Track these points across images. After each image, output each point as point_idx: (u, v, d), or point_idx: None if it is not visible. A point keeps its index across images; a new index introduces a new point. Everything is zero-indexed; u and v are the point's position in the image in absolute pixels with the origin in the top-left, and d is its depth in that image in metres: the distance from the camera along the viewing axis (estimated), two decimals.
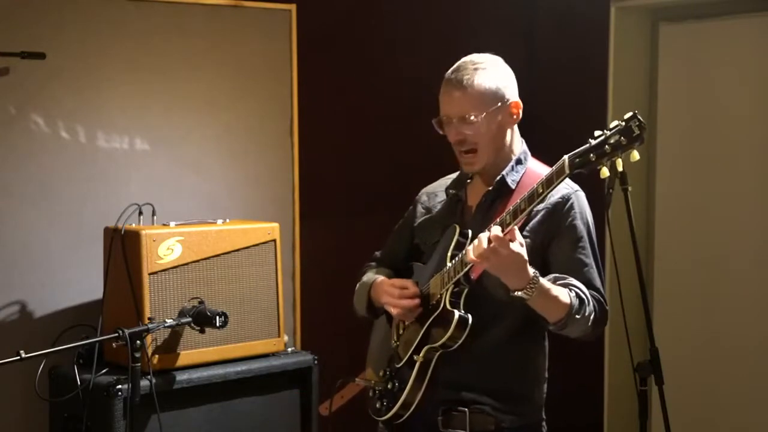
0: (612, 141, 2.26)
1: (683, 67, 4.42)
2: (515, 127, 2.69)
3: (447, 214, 2.76)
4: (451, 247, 2.61)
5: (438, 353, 2.58)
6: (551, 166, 2.38)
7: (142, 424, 3.16)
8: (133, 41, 3.66)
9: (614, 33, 4.38)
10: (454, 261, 2.55)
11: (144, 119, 3.70)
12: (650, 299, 4.23)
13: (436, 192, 2.86)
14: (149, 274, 3.26)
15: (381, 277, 2.79)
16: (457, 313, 2.52)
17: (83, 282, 3.55)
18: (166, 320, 3.16)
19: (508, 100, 2.63)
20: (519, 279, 2.38)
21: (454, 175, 2.82)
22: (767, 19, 4.16)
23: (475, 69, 2.62)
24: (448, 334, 2.52)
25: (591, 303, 2.51)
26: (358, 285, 2.88)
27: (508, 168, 2.65)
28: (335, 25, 4.28)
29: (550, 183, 2.35)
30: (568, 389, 4.13)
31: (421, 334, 2.60)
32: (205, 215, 3.67)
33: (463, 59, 2.67)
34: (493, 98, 2.61)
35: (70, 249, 3.54)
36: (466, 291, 2.56)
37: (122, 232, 3.31)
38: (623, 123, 2.27)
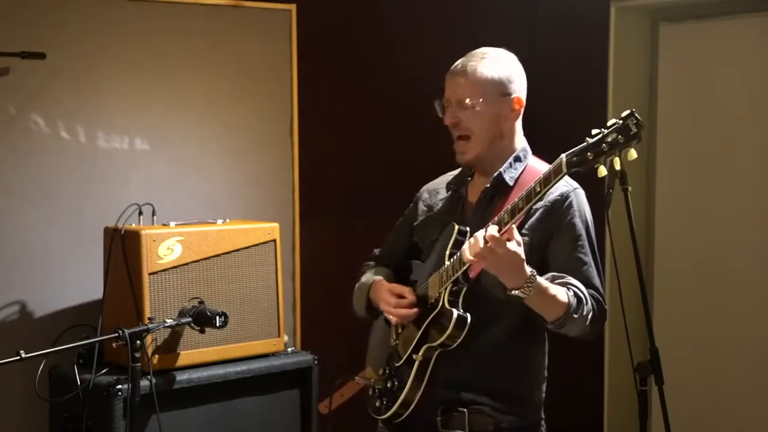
0: (609, 139, 2.26)
1: (683, 67, 4.42)
2: (518, 124, 2.69)
3: (447, 211, 2.76)
4: (450, 245, 2.61)
5: (437, 352, 2.58)
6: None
7: (142, 424, 3.16)
8: (133, 41, 3.66)
9: (614, 33, 4.37)
10: (452, 260, 2.55)
11: (144, 119, 3.70)
12: (650, 299, 4.23)
13: (437, 189, 2.85)
14: (149, 274, 3.26)
15: (380, 278, 2.79)
16: (455, 312, 2.51)
17: (83, 282, 3.55)
18: (166, 320, 3.16)
19: (510, 94, 2.64)
20: (516, 278, 2.38)
21: (455, 172, 2.82)
22: (767, 19, 4.16)
23: (483, 58, 2.64)
24: (447, 333, 2.51)
25: (589, 302, 2.51)
26: (357, 285, 2.88)
27: (506, 165, 2.65)
28: (335, 25, 4.28)
29: (547, 182, 2.34)
30: (568, 389, 4.13)
31: (419, 333, 2.60)
32: (205, 215, 3.67)
33: (475, 50, 2.69)
34: (494, 88, 2.62)
35: (70, 249, 3.54)
36: (464, 290, 2.56)
37: (122, 232, 3.31)
38: (620, 121, 2.26)
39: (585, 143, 2.29)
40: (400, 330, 2.72)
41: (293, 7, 4.03)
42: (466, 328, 2.51)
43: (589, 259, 2.59)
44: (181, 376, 3.28)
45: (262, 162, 3.99)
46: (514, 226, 2.38)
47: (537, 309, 2.48)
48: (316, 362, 3.62)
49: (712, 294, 4.35)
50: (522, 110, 2.68)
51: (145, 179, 3.69)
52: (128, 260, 3.29)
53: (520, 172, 2.65)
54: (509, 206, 2.40)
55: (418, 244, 2.82)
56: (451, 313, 2.52)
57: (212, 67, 3.85)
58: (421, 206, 2.86)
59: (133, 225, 3.39)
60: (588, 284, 2.55)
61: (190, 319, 3.22)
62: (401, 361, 2.65)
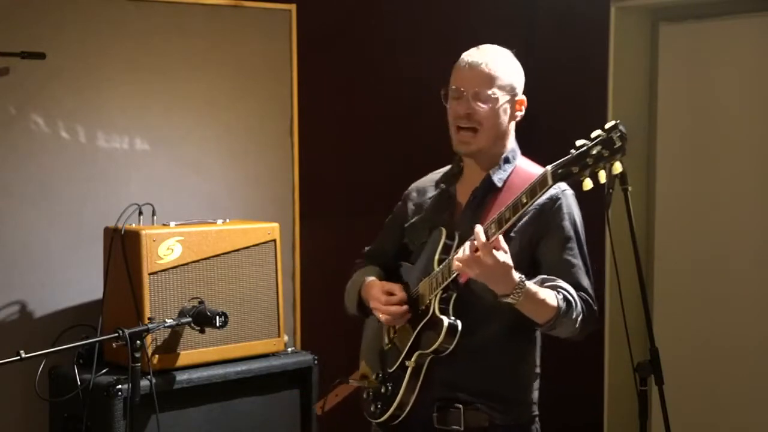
0: (594, 152, 2.25)
1: (683, 67, 4.42)
2: (513, 125, 2.70)
3: (437, 211, 2.76)
4: (438, 250, 2.63)
5: (429, 358, 2.60)
6: (545, 165, 2.38)
7: (142, 424, 3.16)
8: (133, 41, 3.65)
9: (614, 33, 4.37)
10: (441, 266, 2.57)
11: (144, 119, 3.70)
12: (650, 299, 4.23)
13: (425, 187, 2.86)
14: (149, 274, 3.26)
15: (372, 278, 2.81)
16: (446, 321, 2.54)
17: (83, 282, 3.54)
18: (166, 320, 3.16)
19: (517, 95, 2.67)
20: (505, 285, 2.40)
21: (444, 170, 2.82)
22: (767, 19, 4.16)
23: (501, 54, 2.67)
24: (438, 341, 2.54)
25: (579, 305, 2.52)
26: (349, 283, 2.90)
27: (496, 167, 2.67)
28: (335, 25, 4.28)
29: (533, 194, 2.36)
30: (568, 389, 4.13)
31: (411, 340, 2.63)
32: (205, 215, 3.67)
33: (484, 45, 2.69)
34: (510, 87, 2.65)
35: (70, 249, 3.54)
36: (454, 296, 2.58)
37: (122, 232, 3.31)
38: (604, 133, 2.25)
39: (570, 155, 2.28)
40: (392, 334, 2.73)
41: (293, 7, 4.03)
42: (457, 336, 2.54)
43: (578, 261, 2.60)
44: (181, 376, 3.28)
45: (262, 162, 3.99)
46: (500, 236, 2.39)
47: (527, 313, 2.50)
48: (316, 362, 3.62)
49: (712, 294, 4.35)
50: (524, 111, 2.70)
51: (145, 179, 3.69)
52: (128, 260, 3.29)
53: (508, 173, 2.66)
54: (496, 216, 2.41)
55: (407, 245, 2.83)
56: (442, 322, 2.54)
57: (212, 67, 3.85)
58: (410, 206, 2.87)
59: (133, 225, 3.39)
60: (578, 286, 2.56)
61: (190, 319, 3.22)
62: (394, 367, 2.67)
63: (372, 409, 2.72)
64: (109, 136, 3.63)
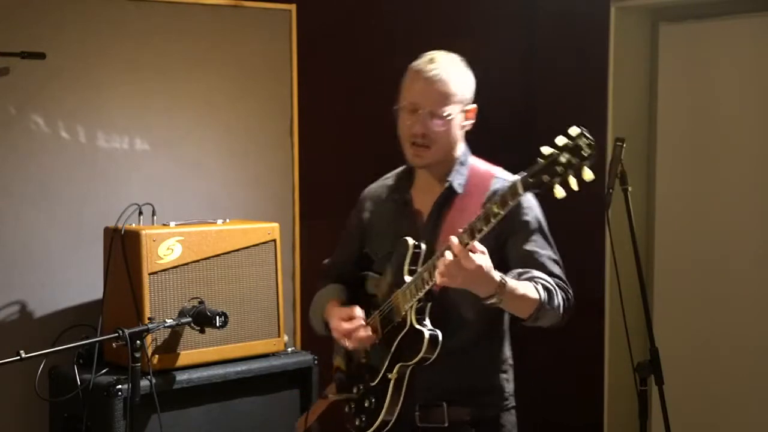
0: (563, 160, 2.22)
1: (683, 67, 4.42)
2: (463, 131, 2.70)
3: (396, 219, 2.75)
4: (407, 261, 2.62)
5: (410, 368, 2.60)
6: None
7: (142, 424, 3.16)
8: (133, 41, 3.65)
9: (614, 33, 4.37)
10: (414, 276, 2.56)
11: (144, 119, 3.70)
12: (650, 299, 4.23)
13: (380, 195, 2.86)
14: (149, 274, 3.26)
15: (332, 300, 2.81)
16: (427, 333, 2.54)
17: (83, 282, 3.54)
18: (166, 320, 3.16)
19: (469, 105, 2.66)
20: (487, 286, 2.40)
21: (393, 174, 2.83)
22: (767, 19, 4.16)
23: (455, 66, 2.64)
24: (421, 353, 2.54)
25: (559, 293, 2.53)
26: (312, 305, 2.91)
27: (454, 173, 2.67)
28: (335, 25, 4.28)
29: (504, 204, 2.33)
30: (568, 389, 4.13)
31: (391, 353, 2.62)
32: (205, 215, 3.67)
33: (434, 53, 2.67)
34: (464, 99, 2.63)
35: (70, 249, 3.54)
36: (429, 306, 2.58)
37: (122, 232, 3.31)
38: (571, 142, 2.23)
39: (539, 164, 2.25)
40: (368, 347, 2.73)
41: (293, 7, 4.03)
42: (439, 346, 2.54)
43: (546, 251, 2.61)
44: (181, 376, 3.28)
45: (262, 162, 3.99)
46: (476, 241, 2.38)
47: (511, 310, 2.52)
48: (316, 362, 3.62)
49: (712, 294, 4.35)
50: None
51: (145, 179, 3.69)
52: (128, 260, 3.29)
53: (466, 177, 2.67)
54: (467, 227, 2.38)
55: (369, 255, 2.83)
56: (422, 333, 2.54)
57: (212, 67, 3.85)
58: (366, 214, 2.86)
59: (133, 225, 3.39)
60: (550, 275, 2.57)
61: (190, 319, 3.22)
62: (376, 381, 2.67)
63: (357, 422, 2.72)
64: (109, 136, 3.63)
